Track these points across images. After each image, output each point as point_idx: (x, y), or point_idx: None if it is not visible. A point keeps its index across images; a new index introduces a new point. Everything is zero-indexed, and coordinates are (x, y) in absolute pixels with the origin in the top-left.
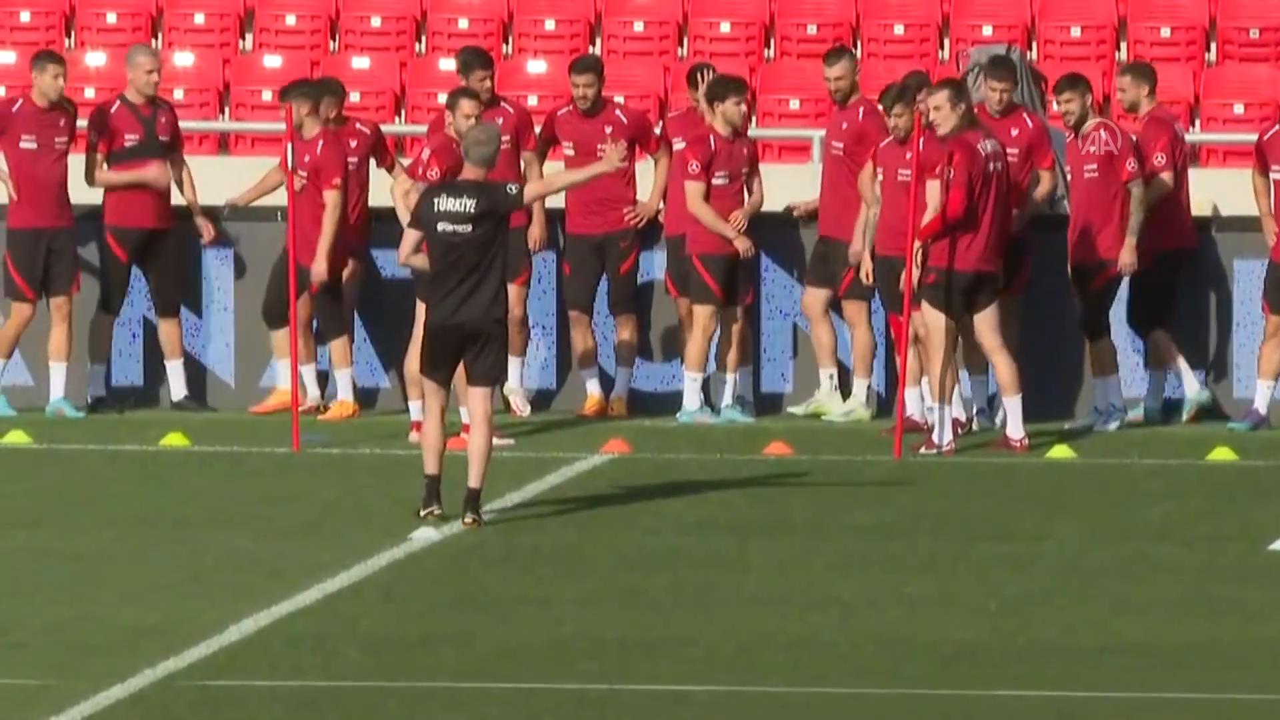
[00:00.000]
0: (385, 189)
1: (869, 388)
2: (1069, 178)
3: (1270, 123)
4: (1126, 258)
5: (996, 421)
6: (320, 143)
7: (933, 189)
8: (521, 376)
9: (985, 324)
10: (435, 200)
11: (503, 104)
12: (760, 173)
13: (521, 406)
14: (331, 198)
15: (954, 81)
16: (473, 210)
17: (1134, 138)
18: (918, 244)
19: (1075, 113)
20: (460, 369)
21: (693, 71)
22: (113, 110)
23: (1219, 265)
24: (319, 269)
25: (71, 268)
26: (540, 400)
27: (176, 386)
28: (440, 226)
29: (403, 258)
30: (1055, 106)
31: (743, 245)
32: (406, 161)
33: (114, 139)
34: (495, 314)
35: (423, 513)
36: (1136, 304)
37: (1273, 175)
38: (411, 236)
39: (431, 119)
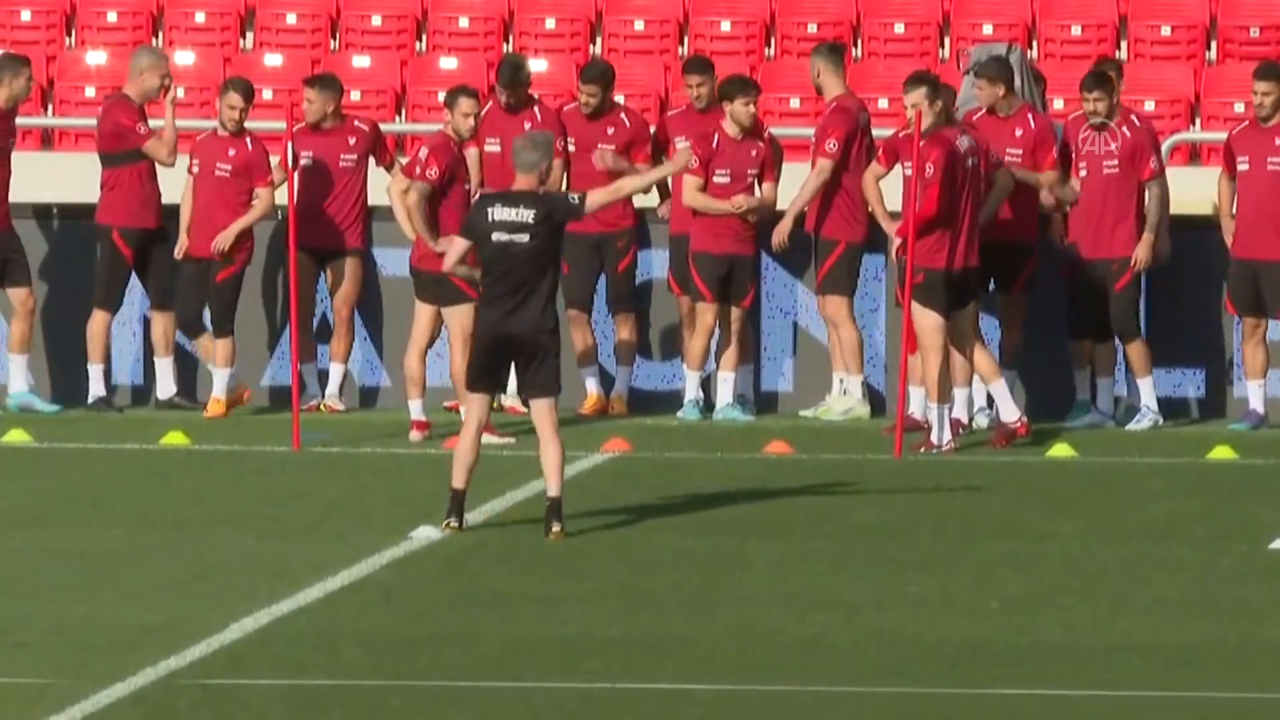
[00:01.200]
0: (384, 188)
1: (863, 383)
2: (1082, 174)
3: (1235, 121)
4: (1143, 253)
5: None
6: (248, 139)
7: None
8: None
9: (966, 318)
10: (489, 210)
11: (535, 107)
12: (776, 178)
13: (520, 406)
14: (265, 194)
15: (930, 78)
16: (530, 220)
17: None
18: (899, 240)
19: (1103, 112)
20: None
21: (694, 64)
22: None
23: (1223, 263)
24: (224, 237)
25: (25, 261)
26: None
27: (166, 384)
28: (495, 236)
29: (447, 266)
30: (1084, 104)
31: (744, 201)
32: (406, 160)
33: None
34: (546, 325)
35: (443, 524)
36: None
37: (1240, 167)
38: (460, 246)
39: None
